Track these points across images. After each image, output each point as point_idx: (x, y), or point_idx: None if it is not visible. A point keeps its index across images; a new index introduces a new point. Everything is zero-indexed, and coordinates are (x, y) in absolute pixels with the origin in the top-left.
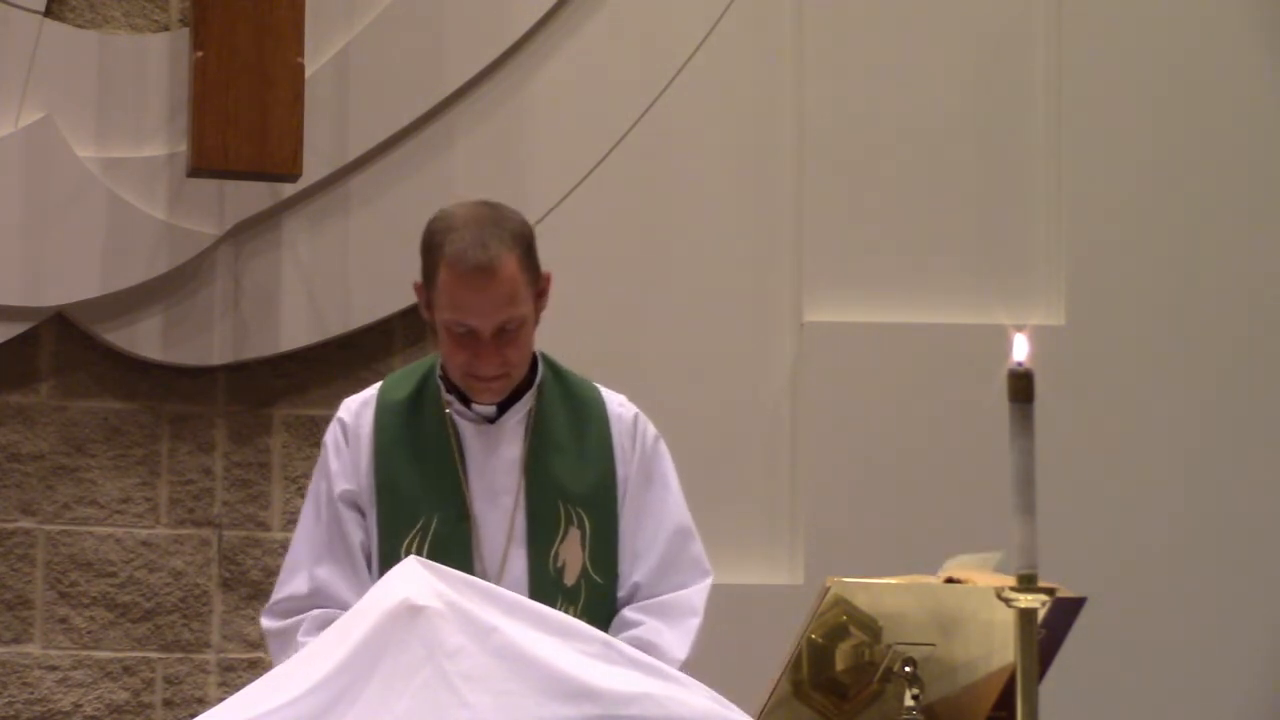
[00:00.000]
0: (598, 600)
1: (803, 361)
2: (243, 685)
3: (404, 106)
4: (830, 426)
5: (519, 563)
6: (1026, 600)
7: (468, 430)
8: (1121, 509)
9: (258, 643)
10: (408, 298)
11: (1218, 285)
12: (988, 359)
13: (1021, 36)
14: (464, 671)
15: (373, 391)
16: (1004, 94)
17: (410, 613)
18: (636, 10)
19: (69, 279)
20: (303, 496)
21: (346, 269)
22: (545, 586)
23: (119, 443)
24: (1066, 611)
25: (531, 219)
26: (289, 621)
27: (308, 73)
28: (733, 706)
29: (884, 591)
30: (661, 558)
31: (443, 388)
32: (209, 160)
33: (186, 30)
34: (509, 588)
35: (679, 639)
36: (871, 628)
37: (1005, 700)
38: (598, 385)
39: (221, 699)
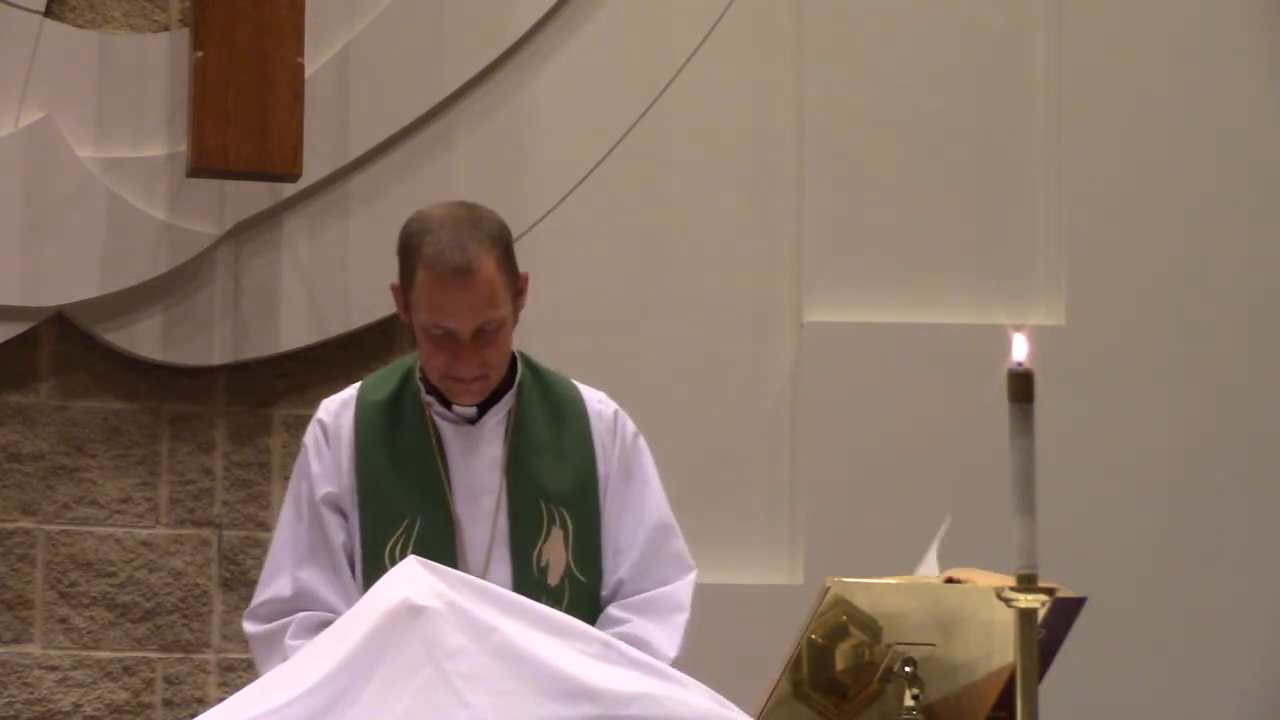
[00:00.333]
0: (582, 599)
1: (803, 362)
2: (243, 685)
3: (404, 106)
4: (830, 427)
5: (502, 564)
6: (1026, 600)
7: (448, 431)
8: (1121, 509)
9: None
10: None
11: (1218, 285)
12: (988, 359)
13: (1021, 36)
14: (464, 671)
15: (352, 392)
16: (1004, 94)
17: (410, 613)
18: (636, 10)
19: (69, 279)
20: None
21: (346, 269)
22: (529, 587)
23: (119, 443)
24: (1066, 611)
25: (531, 219)
26: (273, 625)
27: (308, 73)
28: (733, 706)
29: (884, 591)
30: (643, 553)
31: (422, 389)
32: (209, 160)
33: (186, 30)
34: None
35: (668, 636)
36: (871, 628)
37: (1005, 700)
38: (576, 383)
39: (221, 699)
